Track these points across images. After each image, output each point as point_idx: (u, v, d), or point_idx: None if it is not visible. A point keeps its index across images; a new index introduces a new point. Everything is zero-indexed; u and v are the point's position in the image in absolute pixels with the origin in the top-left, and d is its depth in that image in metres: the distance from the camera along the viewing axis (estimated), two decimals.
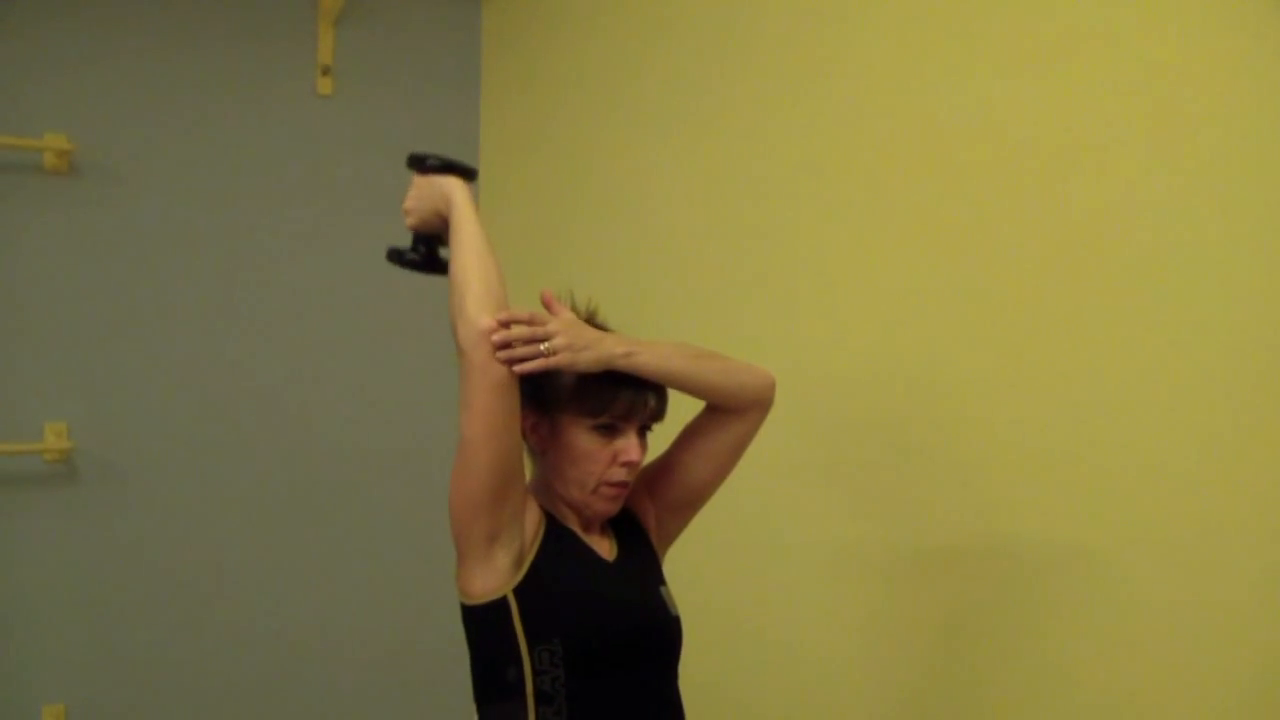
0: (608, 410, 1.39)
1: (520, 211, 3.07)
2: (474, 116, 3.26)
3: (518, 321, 1.32)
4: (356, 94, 3.11)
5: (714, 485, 1.54)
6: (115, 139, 2.81)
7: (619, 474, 1.41)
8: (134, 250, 2.83)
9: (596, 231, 2.74)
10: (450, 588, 1.41)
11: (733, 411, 1.48)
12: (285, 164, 3.03)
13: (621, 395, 1.39)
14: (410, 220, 1.50)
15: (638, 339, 1.43)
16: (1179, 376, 1.46)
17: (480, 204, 3.23)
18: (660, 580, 1.50)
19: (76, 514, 2.78)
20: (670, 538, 1.58)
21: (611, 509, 1.45)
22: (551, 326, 1.35)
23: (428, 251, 1.52)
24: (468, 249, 1.38)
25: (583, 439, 1.40)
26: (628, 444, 1.41)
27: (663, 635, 1.44)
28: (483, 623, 1.37)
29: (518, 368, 1.32)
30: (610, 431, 1.40)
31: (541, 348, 1.32)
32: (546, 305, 1.42)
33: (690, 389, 1.45)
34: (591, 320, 1.46)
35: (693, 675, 1.51)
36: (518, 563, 1.36)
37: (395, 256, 1.55)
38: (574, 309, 1.47)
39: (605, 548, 1.46)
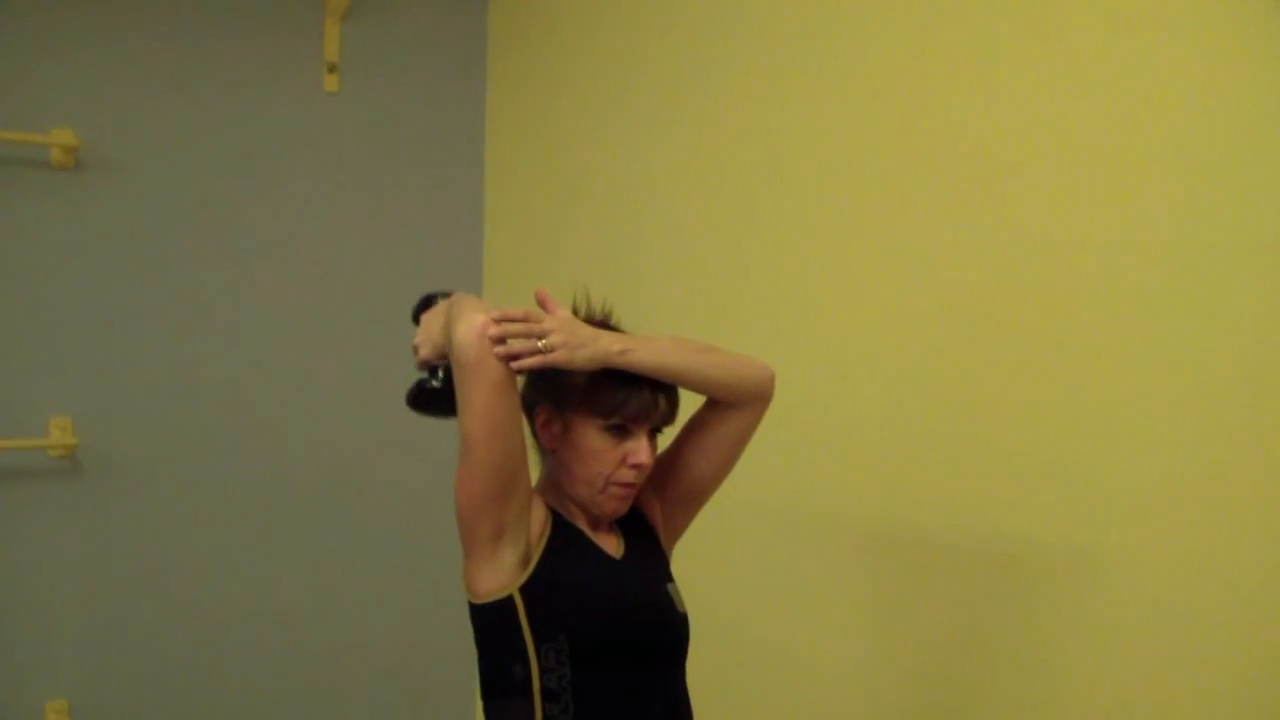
0: (619, 411, 1.39)
1: (525, 207, 3.07)
2: (480, 113, 3.26)
3: (513, 319, 1.32)
4: (363, 91, 3.11)
5: (718, 479, 1.54)
6: (122, 135, 2.81)
7: (627, 475, 1.41)
8: (140, 246, 2.83)
9: (600, 227, 2.74)
10: (457, 584, 1.41)
11: (733, 405, 1.48)
12: (292, 161, 3.03)
13: (634, 397, 1.39)
14: (423, 352, 1.44)
15: (635, 335, 1.42)
16: (1181, 379, 1.46)
17: (485, 200, 3.27)
18: (668, 577, 1.50)
19: (81, 510, 2.78)
20: (677, 533, 1.58)
21: (620, 509, 1.45)
22: (547, 324, 1.34)
23: (448, 376, 1.40)
24: (464, 297, 1.39)
25: (593, 439, 1.40)
26: (638, 446, 1.41)
27: (670, 632, 1.44)
28: (489, 621, 1.37)
29: (515, 364, 1.31)
30: (621, 433, 1.40)
31: (539, 344, 1.32)
32: (542, 303, 1.42)
33: (689, 384, 1.44)
34: (606, 322, 1.46)
35: (700, 673, 1.51)
36: (524, 561, 1.36)
37: (417, 395, 1.45)
38: (589, 308, 1.47)
39: (613, 545, 1.46)
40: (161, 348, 2.86)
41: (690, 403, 1.49)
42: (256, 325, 2.98)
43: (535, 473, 1.45)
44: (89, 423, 2.78)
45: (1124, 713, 1.51)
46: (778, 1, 2.16)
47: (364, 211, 3.10)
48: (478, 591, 1.36)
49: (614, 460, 1.40)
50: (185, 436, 2.88)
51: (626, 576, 1.44)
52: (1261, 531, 1.36)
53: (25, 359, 2.72)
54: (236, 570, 2.94)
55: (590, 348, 1.36)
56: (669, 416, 1.44)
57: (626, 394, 1.39)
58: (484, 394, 1.30)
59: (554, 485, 1.46)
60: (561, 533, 1.41)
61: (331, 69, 3.06)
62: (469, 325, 1.30)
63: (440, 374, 1.43)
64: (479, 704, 1.43)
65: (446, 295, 1.45)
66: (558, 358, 1.33)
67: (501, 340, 1.30)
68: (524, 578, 1.35)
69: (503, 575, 1.35)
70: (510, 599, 1.34)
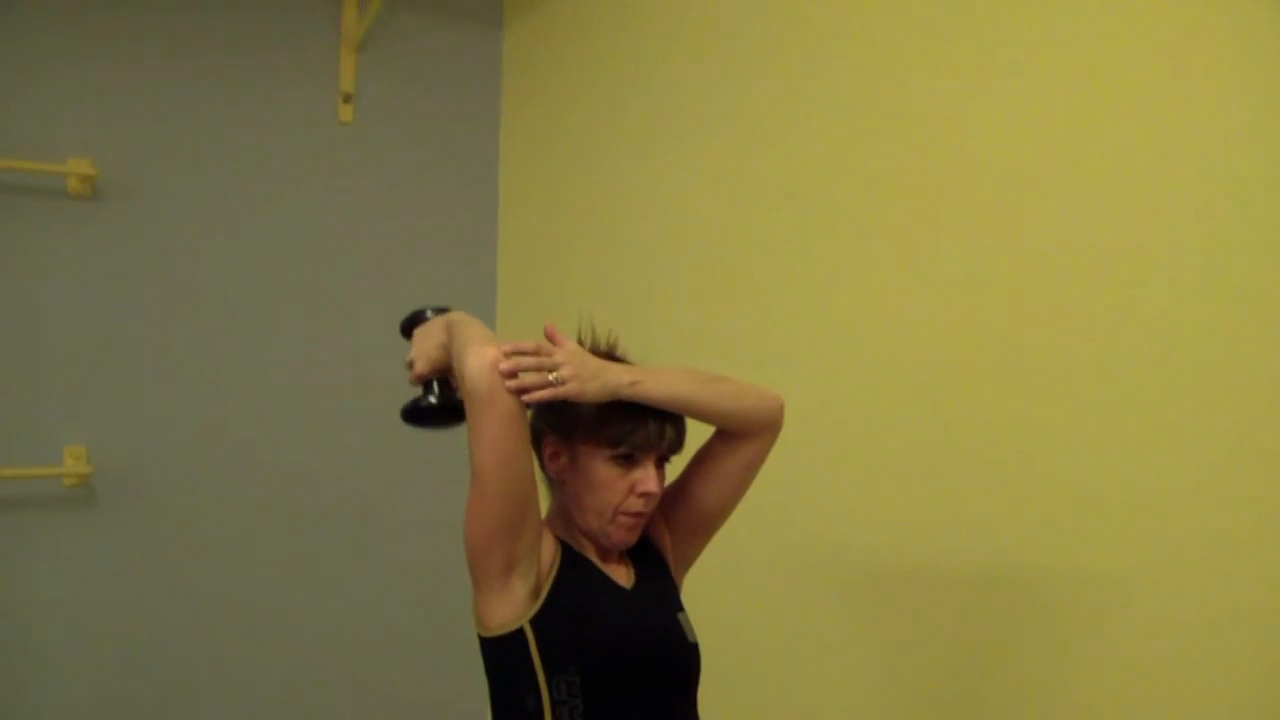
0: (626, 440, 1.39)
1: (539, 234, 3.08)
2: (493, 141, 3.27)
3: (523, 352, 1.32)
4: (377, 121, 3.12)
5: (728, 509, 1.54)
6: (139, 165, 2.83)
7: (636, 504, 1.41)
8: (155, 275, 2.85)
9: (614, 252, 2.74)
10: (467, 615, 1.40)
11: (742, 435, 1.48)
12: (308, 191, 3.04)
13: (640, 426, 1.39)
14: (418, 367, 1.45)
15: (644, 368, 1.43)
16: (1191, 394, 1.46)
17: (499, 226, 3.28)
18: (678, 607, 1.49)
19: (95, 538, 2.78)
20: (687, 562, 1.58)
21: (629, 538, 1.44)
22: (558, 356, 1.35)
23: (443, 391, 1.44)
24: (464, 320, 1.40)
25: (601, 468, 1.40)
26: (645, 475, 1.40)
27: (681, 662, 1.43)
28: (500, 654, 1.36)
29: (526, 397, 1.32)
30: (628, 462, 1.40)
31: (550, 377, 1.33)
32: (550, 337, 1.42)
33: (699, 415, 1.44)
34: (612, 353, 1.46)
35: (712, 702, 1.50)
36: (534, 593, 1.36)
37: (412, 411, 1.46)
38: (594, 339, 1.47)
39: (623, 575, 1.46)
40: (176, 376, 2.87)
41: (698, 431, 1.48)
42: (271, 353, 2.99)
43: (544, 505, 1.45)
44: (103, 451, 2.78)
45: None
46: (788, 21, 2.17)
47: (379, 240, 3.11)
48: (488, 624, 1.36)
49: (622, 490, 1.40)
50: (199, 464, 2.89)
51: (637, 607, 1.43)
52: (1274, 547, 1.35)
53: (40, 388, 2.73)
54: (250, 598, 2.94)
55: (600, 380, 1.36)
56: (676, 445, 1.44)
57: (633, 423, 1.39)
58: (495, 427, 1.30)
59: (563, 516, 1.46)
60: (571, 564, 1.41)
61: (346, 99, 3.08)
62: (480, 359, 1.30)
63: (436, 389, 1.44)
64: None
65: (439, 310, 1.47)
66: (569, 390, 1.34)
67: (513, 374, 1.30)
68: (534, 610, 1.35)
69: (513, 607, 1.34)
70: (521, 631, 1.34)
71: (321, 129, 3.06)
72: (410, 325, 1.49)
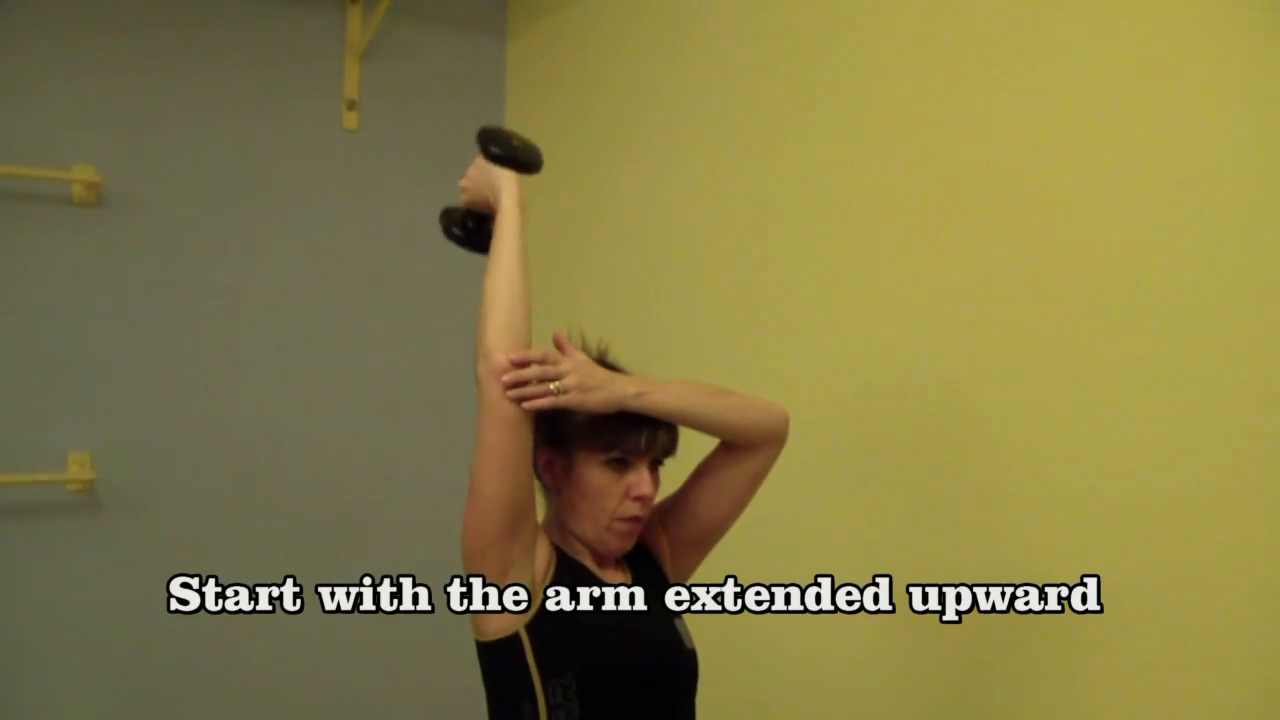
0: (619, 445, 1.39)
1: (542, 244, 3.07)
2: None
3: (530, 362, 1.33)
4: (382, 128, 3.13)
5: (729, 521, 1.54)
6: (143, 172, 2.84)
7: (631, 509, 1.41)
8: (160, 282, 2.86)
9: (618, 260, 2.75)
10: (466, 621, 1.40)
11: (747, 448, 1.48)
12: (311, 198, 3.05)
13: (632, 430, 1.39)
14: (464, 197, 1.51)
15: (649, 379, 1.43)
16: (1194, 396, 1.45)
17: None
18: (676, 614, 1.48)
19: (99, 544, 2.78)
20: (686, 574, 1.57)
21: (625, 545, 1.45)
22: (564, 366, 1.36)
23: (474, 229, 1.52)
24: (501, 269, 1.38)
25: (595, 474, 1.40)
26: (639, 478, 1.41)
27: (678, 669, 1.43)
28: (496, 659, 1.36)
29: (527, 405, 1.32)
30: (622, 466, 1.41)
31: (551, 386, 1.33)
32: (559, 345, 1.42)
33: (704, 427, 1.44)
34: (602, 360, 1.47)
35: (710, 708, 1.49)
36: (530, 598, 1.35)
37: (445, 222, 1.56)
38: (584, 348, 1.47)
39: (620, 581, 1.45)
40: (180, 383, 2.87)
41: (695, 440, 1.48)
42: (276, 361, 2.99)
43: (541, 513, 1.45)
44: (107, 458, 2.79)
45: None
46: (796, 31, 2.18)
47: (383, 247, 3.12)
48: (484, 630, 1.36)
49: (617, 494, 1.40)
50: (204, 472, 2.89)
51: (634, 613, 1.42)
52: None
53: (45, 394, 2.74)
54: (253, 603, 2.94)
55: (605, 390, 1.37)
56: (669, 448, 1.44)
57: (626, 428, 1.39)
58: (496, 431, 1.31)
59: (559, 524, 1.46)
60: (567, 570, 1.41)
61: (351, 106, 3.09)
62: (487, 364, 1.32)
63: (469, 224, 1.53)
64: None
65: (499, 148, 1.47)
66: (569, 400, 1.34)
67: (517, 384, 1.31)
68: (530, 615, 1.35)
69: (509, 613, 1.34)
70: (517, 636, 1.34)
71: (326, 137, 3.07)
72: (489, 142, 1.48)
